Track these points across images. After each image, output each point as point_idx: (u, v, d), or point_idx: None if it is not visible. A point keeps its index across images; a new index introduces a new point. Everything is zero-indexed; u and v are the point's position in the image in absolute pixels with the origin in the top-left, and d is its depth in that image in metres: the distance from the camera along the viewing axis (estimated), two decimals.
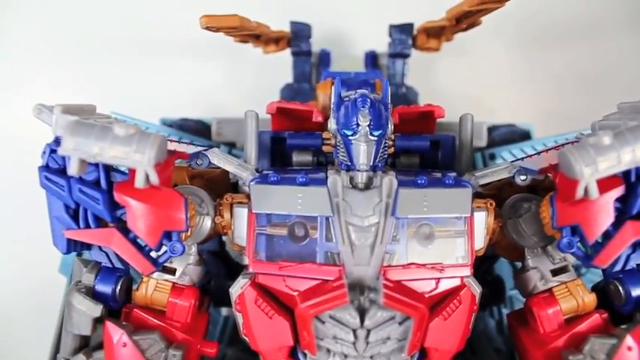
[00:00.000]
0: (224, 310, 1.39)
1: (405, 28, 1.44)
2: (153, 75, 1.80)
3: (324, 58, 1.52)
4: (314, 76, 1.52)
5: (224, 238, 1.32)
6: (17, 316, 1.78)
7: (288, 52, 1.53)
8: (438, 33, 1.40)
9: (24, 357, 1.69)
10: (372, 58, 1.52)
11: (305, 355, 0.96)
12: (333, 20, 1.75)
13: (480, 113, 1.42)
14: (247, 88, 1.74)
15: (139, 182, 0.84)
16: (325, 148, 1.06)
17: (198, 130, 1.44)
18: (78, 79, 1.78)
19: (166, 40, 1.79)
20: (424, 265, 0.93)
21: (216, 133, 1.41)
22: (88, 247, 1.01)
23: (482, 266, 1.29)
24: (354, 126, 0.92)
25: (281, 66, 1.57)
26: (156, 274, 1.02)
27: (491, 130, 1.43)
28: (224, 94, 1.77)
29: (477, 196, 1.03)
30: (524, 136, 1.43)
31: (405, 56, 1.45)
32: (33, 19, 1.82)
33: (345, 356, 0.92)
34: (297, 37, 1.46)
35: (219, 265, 1.31)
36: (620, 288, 0.98)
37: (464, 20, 1.26)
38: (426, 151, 1.11)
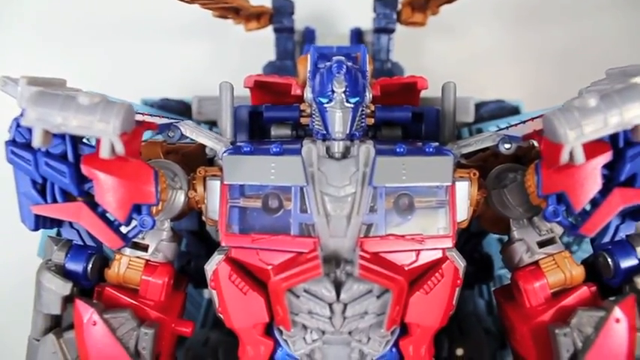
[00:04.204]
0: (206, 293, 1.36)
1: (389, 2, 1.40)
2: (136, 56, 1.77)
3: (309, 35, 1.49)
4: (297, 54, 1.48)
5: (204, 217, 1.29)
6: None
7: (272, 30, 1.50)
8: (422, 6, 1.36)
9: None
10: (357, 35, 1.48)
11: (281, 332, 0.93)
12: None
13: (468, 90, 1.39)
14: (232, 68, 1.69)
15: (104, 152, 0.81)
16: (303, 120, 1.03)
17: (180, 109, 1.41)
18: (59, 59, 1.75)
19: (150, 20, 1.76)
20: (403, 236, 0.90)
21: (197, 112, 1.37)
22: (58, 223, 0.98)
23: (470, 243, 1.26)
24: (330, 93, 0.89)
25: (266, 45, 1.53)
26: (128, 251, 0.99)
27: (480, 106, 1.40)
28: (209, 74, 1.72)
29: (461, 167, 0.99)
30: (514, 111, 1.39)
31: (390, 31, 1.41)
32: (11, 2, 1.78)
33: (323, 332, 0.89)
34: (279, 13, 1.43)
35: (200, 245, 1.28)
36: (609, 260, 0.95)
37: None
38: (408, 123, 1.07)
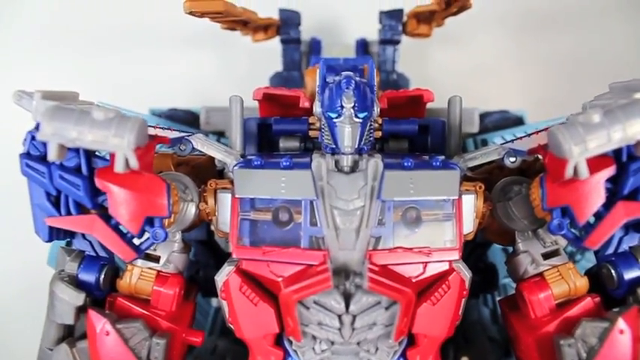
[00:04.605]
0: (215, 301, 1.38)
1: (395, 14, 1.42)
2: (144, 65, 1.78)
3: (315, 46, 1.50)
4: (304, 65, 1.50)
5: (212, 227, 1.30)
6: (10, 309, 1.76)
7: (279, 41, 1.51)
8: (428, 18, 1.37)
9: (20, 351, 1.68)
10: (362, 46, 1.50)
11: (291, 342, 0.94)
12: (323, 8, 1.73)
13: (472, 101, 1.40)
14: (240, 78, 1.72)
15: (119, 166, 0.83)
16: (312, 133, 1.04)
17: (188, 120, 1.43)
18: (66, 69, 1.77)
19: (157, 29, 1.78)
20: (411, 249, 0.91)
21: (204, 122, 1.39)
22: (71, 235, 0.99)
23: (475, 253, 1.28)
24: (339, 108, 0.90)
25: (273, 55, 1.55)
26: (140, 262, 1.00)
27: (484, 116, 1.41)
28: (216, 84, 1.75)
29: (466, 179, 1.01)
30: (517, 122, 1.41)
31: (396, 42, 1.43)
32: (20, 11, 1.80)
33: (332, 343, 0.91)
34: (286, 24, 1.45)
35: (208, 254, 1.30)
36: (613, 271, 0.96)
37: (453, 3, 1.23)
38: (414, 136, 1.09)
